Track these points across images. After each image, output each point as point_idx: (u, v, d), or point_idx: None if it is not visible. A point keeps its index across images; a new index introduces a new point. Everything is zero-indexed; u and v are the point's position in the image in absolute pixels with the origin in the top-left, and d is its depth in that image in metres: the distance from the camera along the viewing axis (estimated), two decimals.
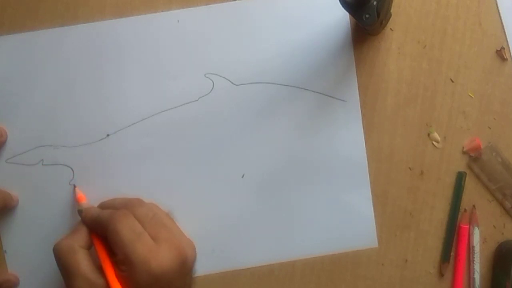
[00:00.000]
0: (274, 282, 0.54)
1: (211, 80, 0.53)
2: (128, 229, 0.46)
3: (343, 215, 0.53)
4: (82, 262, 0.46)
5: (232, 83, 0.53)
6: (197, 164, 0.54)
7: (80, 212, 0.50)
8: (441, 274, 0.54)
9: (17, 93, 0.53)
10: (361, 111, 0.53)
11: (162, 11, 0.54)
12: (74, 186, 0.53)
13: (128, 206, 0.49)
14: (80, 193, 0.52)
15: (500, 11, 0.53)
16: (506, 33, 0.53)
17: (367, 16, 0.44)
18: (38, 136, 0.53)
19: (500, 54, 0.53)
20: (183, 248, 0.48)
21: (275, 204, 0.54)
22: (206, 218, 0.53)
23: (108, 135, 0.53)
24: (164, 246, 0.46)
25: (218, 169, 0.54)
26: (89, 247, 0.48)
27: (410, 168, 0.54)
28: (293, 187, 0.54)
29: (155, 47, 0.53)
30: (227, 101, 0.53)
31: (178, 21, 0.54)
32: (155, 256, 0.45)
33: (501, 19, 0.53)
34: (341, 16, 0.53)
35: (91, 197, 0.53)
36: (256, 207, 0.54)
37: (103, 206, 0.51)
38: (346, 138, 0.53)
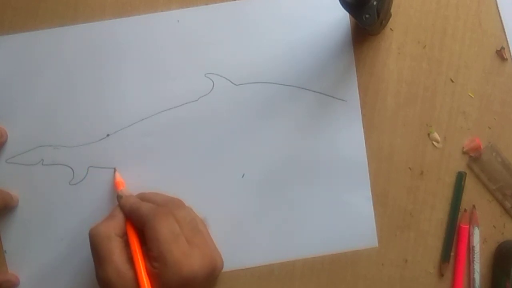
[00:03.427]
0: (274, 282, 0.54)
1: (211, 80, 0.54)
2: (167, 229, 0.46)
3: (343, 215, 0.53)
4: (116, 251, 0.46)
5: (232, 83, 0.54)
6: (197, 164, 0.54)
7: (119, 198, 0.50)
8: (441, 274, 0.54)
9: (17, 93, 0.53)
10: (361, 111, 0.53)
11: (162, 11, 0.54)
12: (114, 170, 0.53)
13: (168, 205, 0.49)
14: (119, 178, 0.52)
15: (500, 11, 0.53)
16: (506, 33, 0.53)
17: (367, 16, 0.44)
18: (38, 136, 0.53)
19: (500, 54, 0.53)
20: (214, 257, 0.49)
21: (275, 204, 0.54)
22: (206, 218, 0.53)
23: (108, 135, 0.53)
24: (197, 252, 0.47)
25: (218, 169, 0.54)
26: (124, 234, 0.48)
27: (410, 168, 0.54)
28: (293, 187, 0.54)
29: (155, 47, 0.53)
30: (227, 101, 0.53)
31: (178, 21, 0.54)
32: (188, 260, 0.46)
33: (501, 19, 0.53)
34: (341, 16, 0.53)
35: (91, 196, 0.53)
36: (256, 207, 0.54)
37: (143, 197, 0.51)
38: (346, 138, 0.53)
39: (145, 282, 0.45)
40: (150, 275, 0.46)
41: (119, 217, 0.49)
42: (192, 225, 0.48)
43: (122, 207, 0.50)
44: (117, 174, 0.53)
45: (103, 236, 0.47)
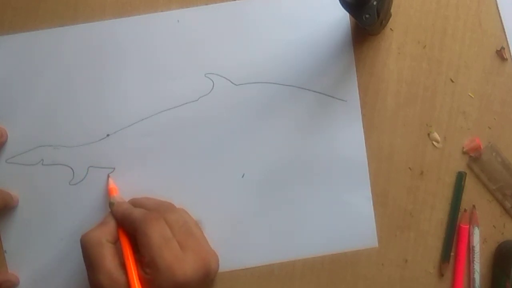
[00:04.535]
0: (274, 282, 0.54)
1: (211, 80, 0.54)
2: (158, 234, 0.46)
3: (343, 215, 0.53)
4: (107, 257, 0.46)
5: (232, 83, 0.54)
6: (197, 164, 0.54)
7: (111, 205, 0.50)
8: (441, 274, 0.54)
9: (17, 93, 0.53)
10: (361, 111, 0.53)
11: (162, 11, 0.54)
12: (108, 176, 0.53)
13: (160, 209, 0.49)
14: (112, 184, 0.52)
15: (500, 11, 0.53)
16: (506, 33, 0.53)
17: (367, 16, 0.44)
18: (38, 136, 0.53)
19: (500, 54, 0.53)
20: (208, 260, 0.48)
21: (275, 204, 0.54)
22: (205, 218, 0.53)
23: (108, 135, 0.53)
24: (190, 256, 0.46)
25: (218, 169, 0.54)
26: (116, 241, 0.48)
27: (410, 168, 0.54)
28: (293, 187, 0.54)
29: (155, 47, 0.53)
30: (227, 101, 0.53)
31: (178, 21, 0.54)
32: (181, 264, 0.45)
33: (501, 19, 0.53)
34: (341, 16, 0.53)
35: (91, 196, 0.53)
36: (256, 207, 0.54)
37: (134, 203, 0.51)
38: (346, 138, 0.53)
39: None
40: (143, 281, 0.45)
41: (111, 224, 0.49)
42: (184, 228, 0.48)
43: (114, 214, 0.49)
44: (111, 180, 0.53)
45: (95, 242, 0.47)
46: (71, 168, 0.53)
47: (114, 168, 0.53)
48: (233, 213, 0.54)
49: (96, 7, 0.54)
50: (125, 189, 0.53)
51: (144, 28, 0.54)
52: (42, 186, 0.53)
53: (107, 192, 0.52)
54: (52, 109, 0.53)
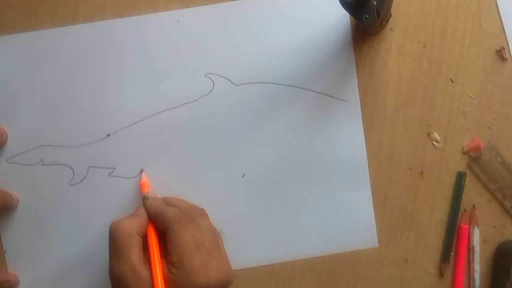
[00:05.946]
0: (274, 282, 0.54)
1: (211, 80, 0.54)
2: (190, 237, 0.46)
3: (343, 215, 0.53)
4: (134, 250, 0.46)
5: (232, 83, 0.54)
6: (197, 164, 0.54)
7: (145, 199, 0.50)
8: (441, 274, 0.54)
9: (17, 93, 0.53)
10: (361, 111, 0.53)
11: (162, 11, 0.54)
12: (141, 171, 0.53)
13: (191, 213, 0.49)
14: (145, 179, 0.52)
15: (500, 11, 0.53)
16: (506, 33, 0.53)
17: (367, 16, 0.44)
18: (38, 136, 0.53)
19: (500, 54, 0.53)
20: (229, 271, 0.48)
21: (275, 204, 0.54)
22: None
23: (108, 135, 0.53)
24: (215, 264, 0.46)
25: (218, 169, 0.54)
26: (144, 235, 0.48)
27: (410, 168, 0.54)
28: (293, 187, 0.54)
29: (155, 47, 0.53)
30: (227, 101, 0.53)
31: (178, 21, 0.54)
32: (206, 271, 0.45)
33: (501, 19, 0.53)
34: (341, 16, 0.53)
35: (91, 196, 0.53)
36: (256, 207, 0.54)
37: (167, 202, 0.51)
38: (346, 138, 0.53)
39: (160, 286, 0.44)
40: (166, 280, 0.45)
41: (143, 217, 0.48)
42: (213, 236, 0.48)
43: (147, 209, 0.49)
44: (144, 175, 0.53)
45: (125, 232, 0.46)
46: (71, 168, 0.53)
47: (114, 168, 0.53)
48: (233, 213, 0.54)
49: (96, 7, 0.54)
50: (126, 188, 0.53)
51: (144, 28, 0.54)
52: (42, 186, 0.53)
53: (139, 187, 0.52)
54: (52, 109, 0.53)
